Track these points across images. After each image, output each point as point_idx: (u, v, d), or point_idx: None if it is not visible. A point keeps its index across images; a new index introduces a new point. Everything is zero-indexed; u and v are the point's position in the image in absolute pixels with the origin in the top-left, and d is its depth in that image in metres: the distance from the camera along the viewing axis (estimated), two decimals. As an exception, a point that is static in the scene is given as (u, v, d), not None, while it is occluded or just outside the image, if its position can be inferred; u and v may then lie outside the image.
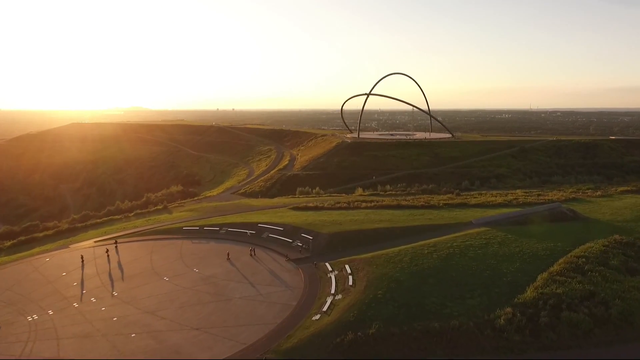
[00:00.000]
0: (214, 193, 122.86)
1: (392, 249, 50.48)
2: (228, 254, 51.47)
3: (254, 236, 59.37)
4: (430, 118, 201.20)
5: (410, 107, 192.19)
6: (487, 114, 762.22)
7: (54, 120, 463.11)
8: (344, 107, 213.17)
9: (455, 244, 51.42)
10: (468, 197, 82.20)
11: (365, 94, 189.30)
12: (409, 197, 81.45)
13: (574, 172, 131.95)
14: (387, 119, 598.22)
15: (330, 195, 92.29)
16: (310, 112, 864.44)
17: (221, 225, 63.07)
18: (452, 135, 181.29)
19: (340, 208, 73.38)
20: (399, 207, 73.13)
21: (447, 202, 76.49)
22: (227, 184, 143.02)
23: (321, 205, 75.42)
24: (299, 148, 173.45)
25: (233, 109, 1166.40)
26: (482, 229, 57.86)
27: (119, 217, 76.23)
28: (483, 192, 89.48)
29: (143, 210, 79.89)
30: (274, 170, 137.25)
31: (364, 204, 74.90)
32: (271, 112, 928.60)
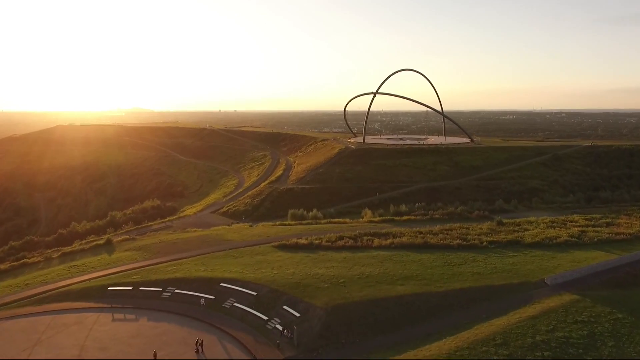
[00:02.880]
0: (192, 211, 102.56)
1: (434, 348, 29.56)
2: (155, 355, 30.58)
3: (212, 305, 38.55)
4: (443, 119, 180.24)
5: (415, 108, 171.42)
6: (490, 115, 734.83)
7: (53, 122, 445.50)
8: (347, 108, 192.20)
9: (538, 337, 30.38)
10: (515, 228, 61.18)
11: (372, 92, 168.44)
12: (435, 229, 60.30)
13: (622, 185, 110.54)
14: (391, 121, 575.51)
15: (329, 222, 71.41)
16: (312, 113, 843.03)
17: (167, 283, 42.29)
18: (471, 139, 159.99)
19: (343, 247, 52.53)
20: (426, 246, 52.11)
21: (490, 237, 55.39)
22: (212, 197, 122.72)
23: (317, 241, 54.65)
24: (296, 154, 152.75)
25: (235, 110, 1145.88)
26: (566, 296, 36.82)
27: (38, 259, 55.44)
28: (531, 218, 68.15)
29: (74, 248, 59.08)
30: (265, 182, 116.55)
31: (376, 241, 53.99)
32: (273, 113, 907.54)
